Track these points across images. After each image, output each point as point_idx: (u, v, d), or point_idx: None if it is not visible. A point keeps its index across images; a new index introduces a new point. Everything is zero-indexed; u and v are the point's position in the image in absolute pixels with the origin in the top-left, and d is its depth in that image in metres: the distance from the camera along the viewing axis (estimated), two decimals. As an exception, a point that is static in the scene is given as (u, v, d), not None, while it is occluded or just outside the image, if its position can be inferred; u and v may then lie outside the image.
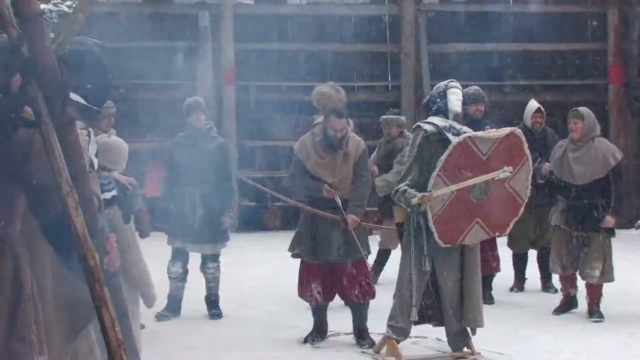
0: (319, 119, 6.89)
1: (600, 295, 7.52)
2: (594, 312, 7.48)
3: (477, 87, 8.33)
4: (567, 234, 7.56)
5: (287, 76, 15.65)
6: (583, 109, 7.60)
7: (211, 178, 7.52)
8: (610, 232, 7.46)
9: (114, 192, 5.87)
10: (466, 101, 6.89)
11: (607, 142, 7.63)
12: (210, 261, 7.71)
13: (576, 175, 7.43)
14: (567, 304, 7.71)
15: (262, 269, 10.51)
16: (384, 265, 8.98)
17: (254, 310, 8.02)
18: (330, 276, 6.66)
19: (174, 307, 7.67)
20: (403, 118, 9.19)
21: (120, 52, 14.55)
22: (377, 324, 6.57)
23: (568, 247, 7.57)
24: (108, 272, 3.21)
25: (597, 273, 7.42)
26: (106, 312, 3.02)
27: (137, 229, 7.05)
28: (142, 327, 6.44)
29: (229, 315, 7.73)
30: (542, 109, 8.73)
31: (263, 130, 15.62)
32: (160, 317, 7.57)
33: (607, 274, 7.46)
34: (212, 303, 7.76)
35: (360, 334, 6.64)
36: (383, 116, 9.26)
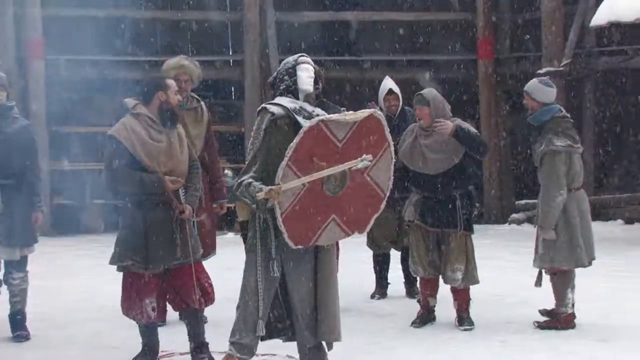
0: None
1: (468, 299, 7.73)
2: (464, 319, 7.69)
3: None
4: (423, 230, 7.74)
5: (108, 49, 15.34)
6: (427, 92, 7.73)
7: (13, 167, 7.31)
8: (469, 229, 7.64)
9: None
10: None
11: (460, 121, 7.74)
12: (15, 270, 7.48)
13: (430, 164, 7.58)
14: (425, 316, 7.84)
15: (80, 279, 10.32)
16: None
17: (69, 329, 7.84)
18: (164, 285, 6.58)
19: None
20: None
21: None
22: (218, 341, 6.52)
23: (426, 246, 7.74)
24: None
25: (459, 275, 7.59)
26: None
27: None
28: None
29: (38, 336, 7.53)
30: (394, 90, 8.88)
31: (79, 114, 15.25)
32: None
33: (471, 276, 7.65)
34: (18, 322, 7.52)
35: (201, 349, 6.61)
36: None
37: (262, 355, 6.53)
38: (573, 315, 7.62)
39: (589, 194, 14.71)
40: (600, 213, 14.27)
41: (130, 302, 6.56)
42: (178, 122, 6.67)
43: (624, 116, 15.32)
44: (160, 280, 6.56)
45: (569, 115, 7.74)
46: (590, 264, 7.71)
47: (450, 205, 7.59)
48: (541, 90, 7.65)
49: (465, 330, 7.58)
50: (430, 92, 7.76)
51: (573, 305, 7.62)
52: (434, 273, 7.76)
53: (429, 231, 7.70)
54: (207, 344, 6.61)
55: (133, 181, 6.42)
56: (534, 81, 7.82)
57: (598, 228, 13.96)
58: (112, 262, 6.60)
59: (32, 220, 7.43)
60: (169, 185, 6.44)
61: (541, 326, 7.58)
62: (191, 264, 6.56)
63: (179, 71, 7.94)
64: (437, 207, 7.61)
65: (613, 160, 15.43)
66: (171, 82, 6.74)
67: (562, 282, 7.59)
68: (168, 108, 6.57)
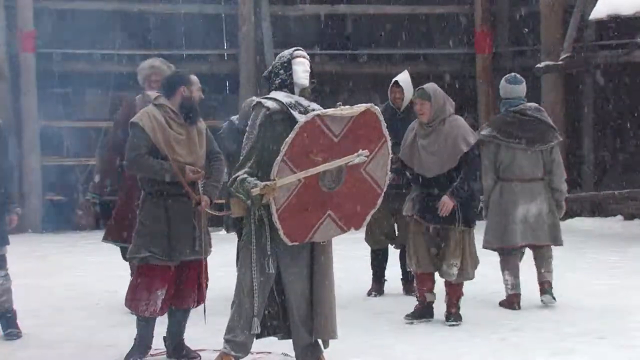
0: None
1: (460, 295, 7.76)
2: (451, 314, 7.70)
3: None
4: (421, 225, 7.75)
5: (101, 43, 15.32)
6: (429, 87, 7.72)
7: None
8: (468, 224, 7.63)
9: None
10: None
11: (460, 123, 7.71)
12: (-4, 270, 7.48)
13: (426, 166, 7.60)
14: (421, 312, 7.84)
15: (72, 276, 10.27)
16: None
17: (61, 327, 7.82)
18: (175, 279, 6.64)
19: None
20: None
21: None
22: (213, 339, 6.52)
23: (424, 241, 7.75)
24: None
25: (455, 271, 7.61)
26: None
27: None
28: None
29: (30, 334, 7.50)
30: (400, 82, 8.90)
31: (71, 108, 15.22)
32: None
33: (467, 272, 7.67)
34: (8, 320, 7.50)
35: (182, 349, 6.68)
36: None
37: (258, 353, 6.51)
38: (515, 297, 8.18)
39: (588, 190, 14.82)
40: (600, 209, 14.27)
41: (138, 293, 6.55)
42: (198, 118, 6.71)
43: (624, 110, 15.32)
44: (174, 273, 6.59)
45: (527, 113, 8.18)
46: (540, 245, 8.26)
47: None
48: (502, 86, 8.34)
49: (451, 325, 7.60)
50: (432, 86, 7.75)
51: (513, 287, 8.21)
52: (429, 268, 7.76)
53: (428, 227, 7.71)
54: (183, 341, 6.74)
55: (153, 168, 6.47)
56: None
57: (597, 224, 14.02)
58: (129, 255, 6.67)
59: (7, 221, 7.43)
60: (188, 174, 6.50)
61: (501, 303, 8.24)
62: (201, 261, 6.62)
63: (150, 71, 8.17)
64: (436, 203, 7.60)
65: (613, 155, 15.43)
66: (195, 78, 6.77)
67: (500, 263, 8.30)
68: (190, 103, 6.62)
